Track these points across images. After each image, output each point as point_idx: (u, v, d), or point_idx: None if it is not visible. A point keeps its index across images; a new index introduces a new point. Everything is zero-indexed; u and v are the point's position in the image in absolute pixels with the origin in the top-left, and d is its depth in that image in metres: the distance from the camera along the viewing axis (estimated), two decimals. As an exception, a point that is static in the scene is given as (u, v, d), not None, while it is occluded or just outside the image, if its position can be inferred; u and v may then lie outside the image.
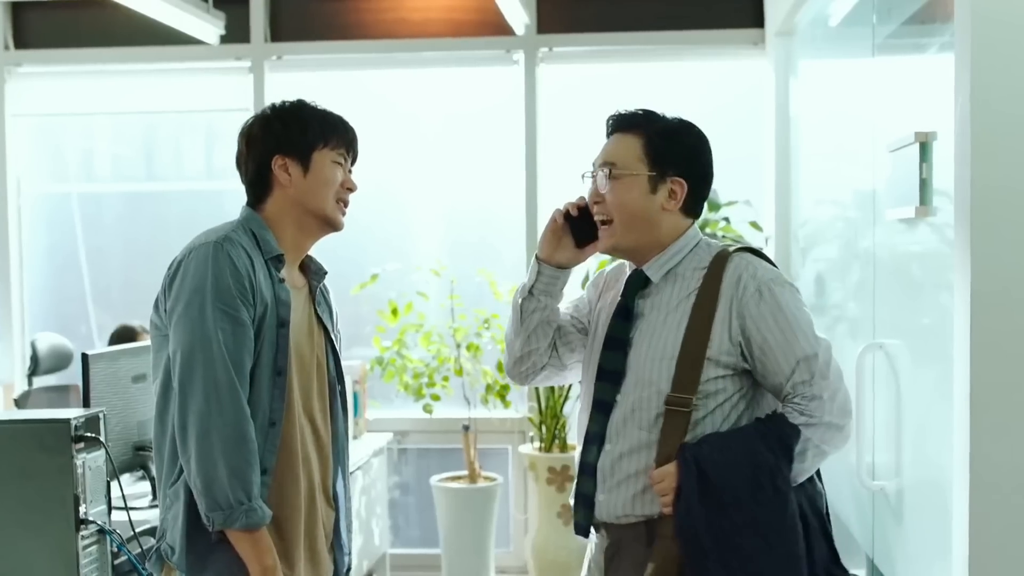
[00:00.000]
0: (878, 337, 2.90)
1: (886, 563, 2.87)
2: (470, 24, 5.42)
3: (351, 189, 2.44)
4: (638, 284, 2.30)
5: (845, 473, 3.17)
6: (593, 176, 2.30)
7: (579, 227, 2.34)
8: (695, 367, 2.16)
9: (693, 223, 2.31)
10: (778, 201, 4.91)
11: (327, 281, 2.53)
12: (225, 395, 2.21)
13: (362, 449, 4.69)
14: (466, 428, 5.10)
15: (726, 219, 4.87)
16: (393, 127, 5.54)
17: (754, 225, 4.96)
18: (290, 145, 2.37)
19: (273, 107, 2.44)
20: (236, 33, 5.31)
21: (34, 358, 4.98)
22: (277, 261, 2.35)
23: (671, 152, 2.25)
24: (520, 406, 5.39)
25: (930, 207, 2.40)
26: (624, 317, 2.28)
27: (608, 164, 2.27)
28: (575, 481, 2.32)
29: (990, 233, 1.98)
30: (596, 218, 2.30)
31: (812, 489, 2.21)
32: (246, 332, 2.25)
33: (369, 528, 4.78)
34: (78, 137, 5.97)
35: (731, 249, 2.26)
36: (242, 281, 2.25)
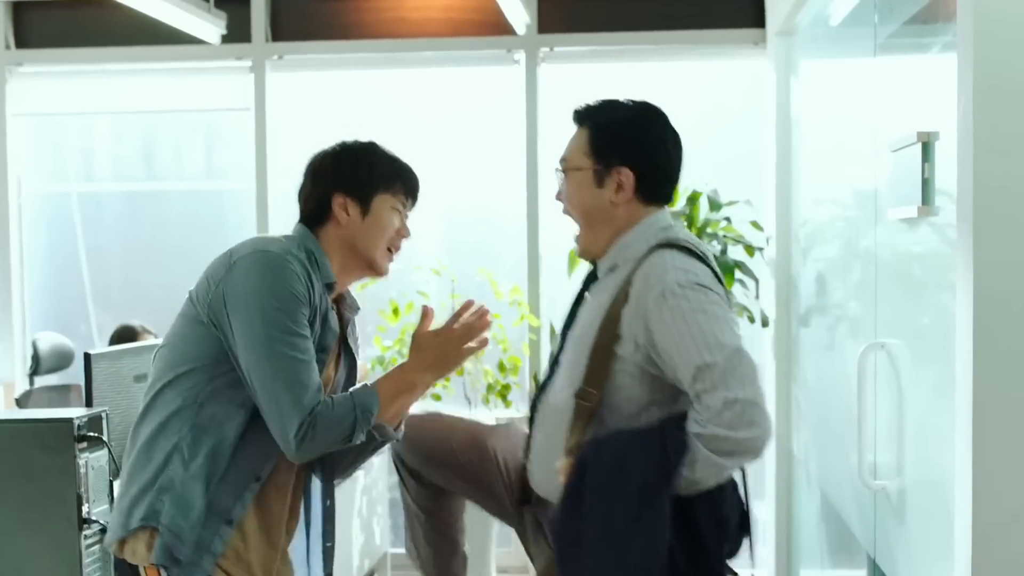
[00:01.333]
0: (880, 337, 2.90)
1: (888, 563, 2.87)
2: (470, 24, 5.42)
3: (405, 237, 2.45)
4: (592, 276, 2.31)
5: (846, 472, 3.17)
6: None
7: None
8: (604, 362, 2.12)
9: (657, 211, 2.25)
10: (779, 201, 4.91)
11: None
12: (310, 395, 2.23)
13: (363, 449, 4.68)
14: (467, 428, 5.10)
15: (727, 219, 4.87)
16: (393, 127, 5.54)
17: (755, 225, 4.96)
18: (354, 185, 2.38)
19: (344, 144, 2.44)
20: (237, 33, 5.30)
21: (35, 358, 4.98)
22: (329, 288, 2.36)
23: (615, 142, 2.22)
24: (521, 405, 5.39)
25: (932, 207, 2.40)
26: (575, 306, 2.31)
27: (561, 161, 2.28)
28: None
29: (992, 233, 1.98)
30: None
31: (720, 497, 2.10)
32: (310, 344, 2.28)
33: (370, 528, 4.78)
34: (78, 137, 5.96)
35: (660, 243, 2.18)
36: (305, 298, 2.26)
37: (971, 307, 1.99)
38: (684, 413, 2.07)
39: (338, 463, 2.47)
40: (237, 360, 2.26)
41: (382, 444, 2.40)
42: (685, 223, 4.83)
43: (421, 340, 2.37)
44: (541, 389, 2.29)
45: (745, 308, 4.82)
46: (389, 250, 2.43)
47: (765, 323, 4.90)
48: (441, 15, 5.45)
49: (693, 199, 4.84)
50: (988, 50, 1.98)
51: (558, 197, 2.32)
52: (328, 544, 2.50)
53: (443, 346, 2.35)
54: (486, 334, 2.37)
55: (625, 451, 2.06)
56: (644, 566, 2.01)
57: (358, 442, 2.31)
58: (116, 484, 2.55)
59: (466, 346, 2.36)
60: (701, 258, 2.18)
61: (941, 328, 2.33)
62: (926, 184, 2.41)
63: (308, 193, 2.43)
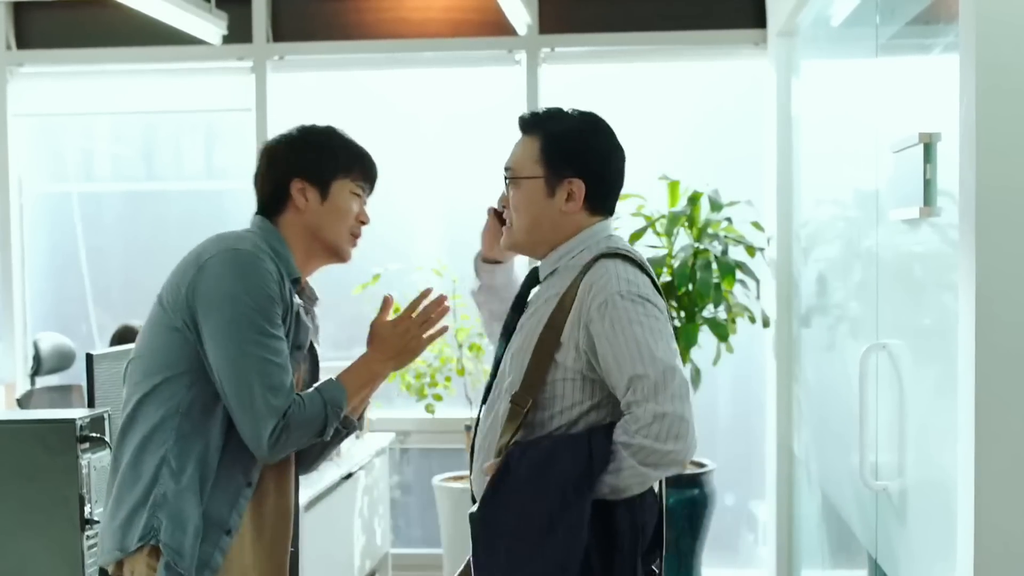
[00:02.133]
0: (881, 337, 2.90)
1: (889, 563, 2.87)
2: (471, 24, 5.43)
3: (364, 222, 2.43)
4: (533, 279, 2.32)
5: (847, 473, 3.17)
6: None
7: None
8: (542, 367, 2.14)
9: (601, 221, 2.27)
10: (780, 201, 4.91)
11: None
12: (284, 397, 2.21)
13: (364, 449, 4.69)
14: (468, 428, 5.10)
15: (728, 219, 4.87)
16: (393, 127, 5.54)
17: (756, 225, 4.96)
18: (312, 170, 2.36)
19: (302, 128, 2.43)
20: (238, 33, 5.31)
21: (36, 358, 4.97)
22: (295, 283, 2.34)
23: (567, 152, 2.22)
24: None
25: (934, 208, 2.41)
26: (516, 309, 2.32)
27: (507, 169, 2.28)
28: None
29: (994, 234, 1.98)
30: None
31: (640, 504, 2.12)
32: (284, 345, 2.26)
33: (371, 528, 4.79)
34: (78, 137, 5.97)
35: (605, 253, 2.19)
36: (279, 296, 2.24)
37: (973, 308, 1.99)
38: (613, 424, 2.10)
39: (305, 456, 2.46)
40: (208, 361, 2.21)
41: (347, 435, 2.40)
42: (686, 223, 4.84)
43: (380, 330, 2.38)
44: (485, 398, 2.30)
45: (746, 308, 4.82)
46: (351, 235, 2.40)
47: (766, 323, 4.90)
48: (442, 15, 5.46)
49: (694, 199, 4.84)
50: (990, 51, 1.98)
51: (503, 204, 2.32)
52: (292, 549, 2.43)
53: (403, 336, 2.37)
54: (444, 322, 2.38)
55: (550, 454, 2.09)
56: (560, 564, 2.04)
57: (327, 438, 2.31)
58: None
59: (426, 335, 2.37)
60: (642, 268, 2.20)
61: (943, 329, 2.33)
62: (928, 185, 2.41)
63: (264, 177, 2.39)
